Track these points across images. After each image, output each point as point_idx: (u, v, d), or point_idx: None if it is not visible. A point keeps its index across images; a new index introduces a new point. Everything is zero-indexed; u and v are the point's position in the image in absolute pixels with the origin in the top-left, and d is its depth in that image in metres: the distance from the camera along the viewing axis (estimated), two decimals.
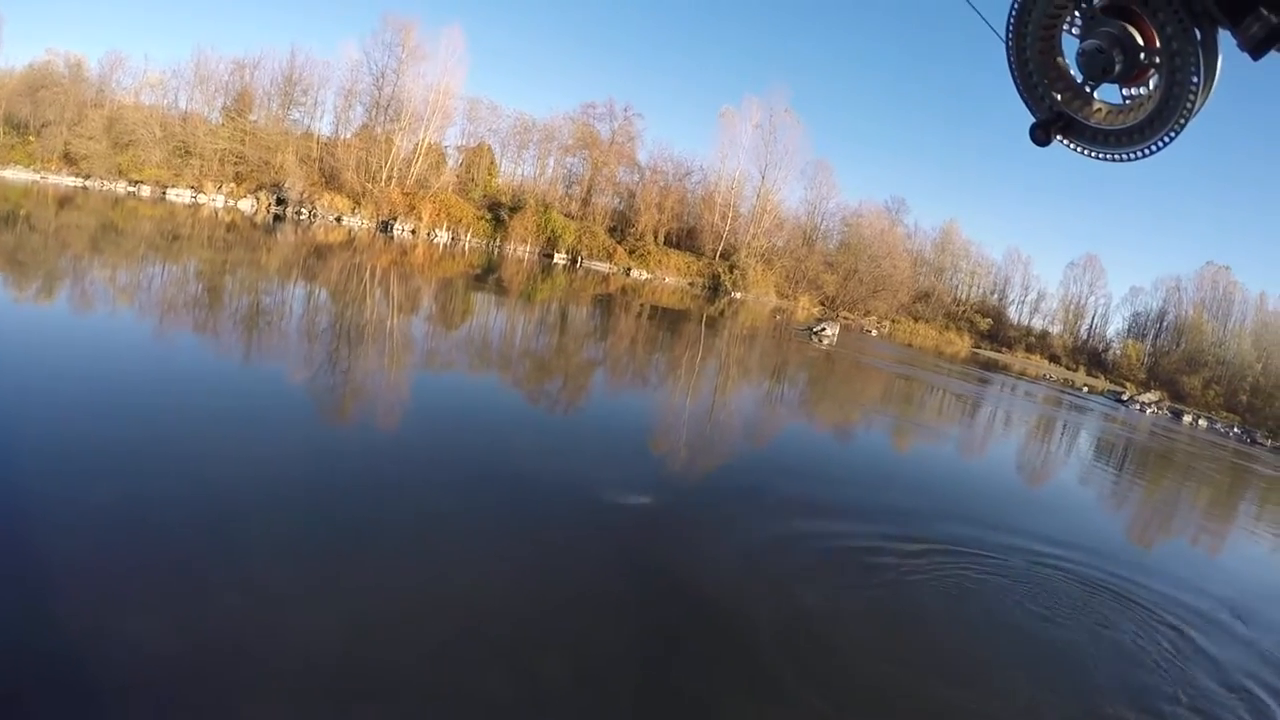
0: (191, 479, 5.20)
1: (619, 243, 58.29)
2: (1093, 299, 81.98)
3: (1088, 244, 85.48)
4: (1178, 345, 75.26)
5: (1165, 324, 78.50)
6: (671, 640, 4.41)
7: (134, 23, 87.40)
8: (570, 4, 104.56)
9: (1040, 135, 0.74)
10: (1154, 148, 0.69)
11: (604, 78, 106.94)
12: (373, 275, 22.59)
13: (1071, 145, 0.75)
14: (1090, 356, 77.71)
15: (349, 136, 55.63)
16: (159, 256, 18.83)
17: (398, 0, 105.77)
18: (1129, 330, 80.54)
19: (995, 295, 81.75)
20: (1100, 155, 0.76)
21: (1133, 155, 0.75)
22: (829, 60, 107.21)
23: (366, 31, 77.60)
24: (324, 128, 58.14)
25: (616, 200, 62.81)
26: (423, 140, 55.14)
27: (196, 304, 13.12)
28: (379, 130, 54.74)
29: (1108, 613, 6.40)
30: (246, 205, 48.30)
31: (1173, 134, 0.66)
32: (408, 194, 52.39)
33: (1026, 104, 0.80)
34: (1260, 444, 43.63)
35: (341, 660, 3.57)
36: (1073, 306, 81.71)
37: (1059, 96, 0.78)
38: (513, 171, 65.92)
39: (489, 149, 62.66)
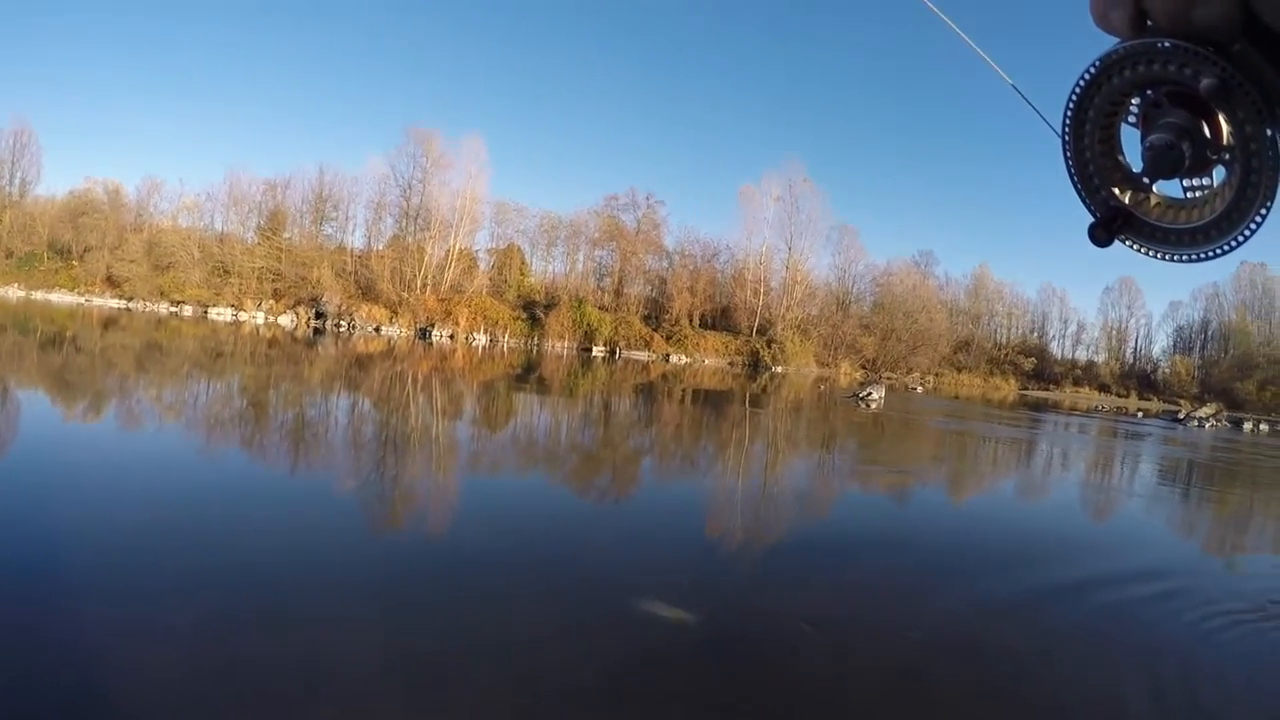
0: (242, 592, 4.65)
1: (655, 330, 57.72)
2: (1133, 321, 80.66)
3: (1120, 267, 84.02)
4: (1226, 352, 73.70)
5: (1210, 333, 77.09)
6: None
7: (167, 149, 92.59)
8: (581, 101, 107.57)
9: (1101, 235, 0.73)
10: (1226, 247, 0.70)
11: (622, 167, 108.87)
12: (414, 382, 22.04)
13: (1134, 245, 0.71)
14: (1140, 379, 75.82)
15: (381, 248, 56.33)
16: (203, 373, 18.53)
17: (417, 112, 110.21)
18: (1175, 346, 79.10)
19: (1035, 333, 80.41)
20: (1165, 255, 0.70)
21: (1203, 255, 0.69)
22: (840, 126, 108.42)
23: (391, 145, 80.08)
24: (356, 241, 59.24)
25: (648, 288, 62.60)
26: (453, 246, 55.58)
27: (243, 418, 12.86)
28: (410, 240, 55.40)
29: None
30: (286, 320, 48.48)
31: (1249, 231, 0.66)
32: (443, 300, 52.42)
33: (1084, 202, 0.78)
34: None
35: None
36: (1114, 332, 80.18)
37: (1116, 190, 0.73)
38: (544, 269, 66.31)
39: (519, 249, 63.19)
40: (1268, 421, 49.47)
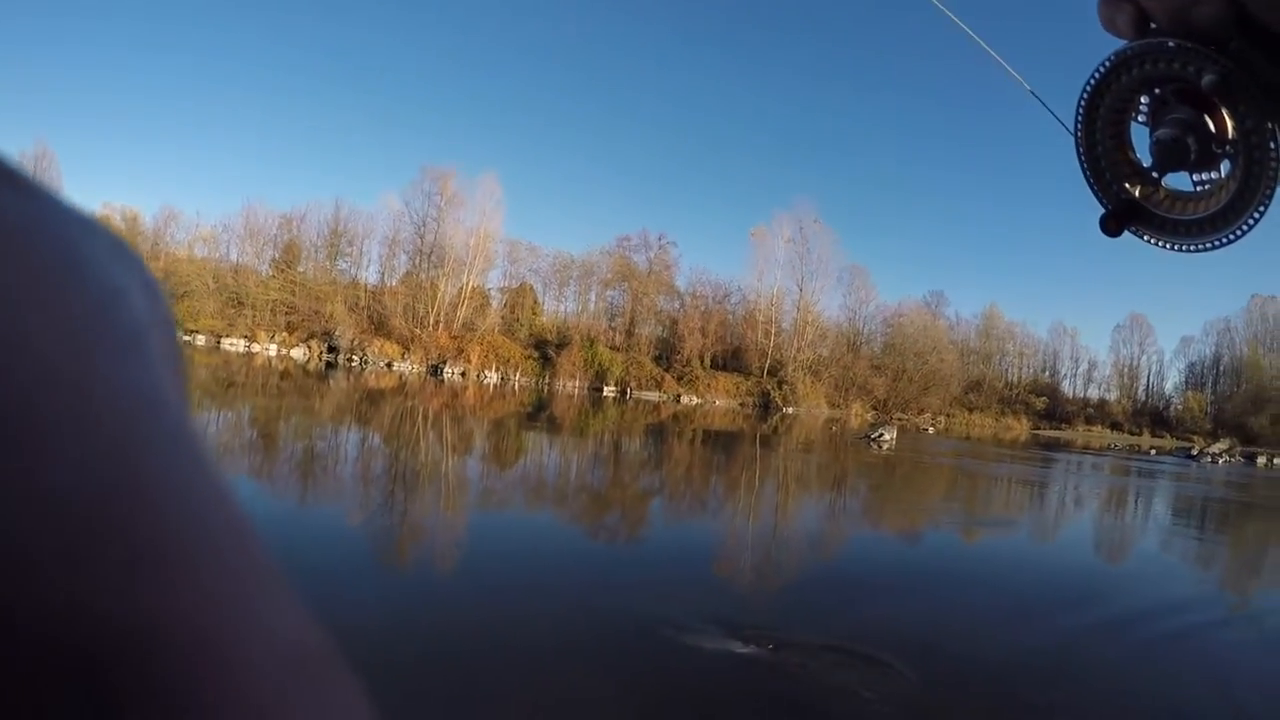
0: None
1: (666, 370, 57.36)
2: (1145, 358, 79.90)
3: (1130, 304, 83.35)
4: (1238, 387, 73.13)
5: (1222, 368, 76.30)
6: None
7: (185, 179, 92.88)
8: (594, 142, 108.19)
9: (1112, 226, 0.76)
10: (1231, 236, 0.73)
11: (635, 208, 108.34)
12: (425, 418, 21.88)
13: (1143, 235, 0.77)
14: (1152, 417, 75.11)
15: (395, 284, 56.33)
16: (215, 403, 18.42)
17: (433, 150, 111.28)
18: (1186, 382, 78.31)
19: (1046, 372, 79.50)
20: (1174, 246, 0.69)
21: (1208, 245, 0.75)
22: (850, 165, 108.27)
23: (406, 182, 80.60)
24: (370, 276, 59.22)
25: (660, 329, 62.29)
26: (466, 284, 55.59)
27: (253, 449, 12.72)
28: (423, 276, 55.42)
29: None
30: (299, 353, 48.25)
31: (1252, 221, 0.69)
32: (455, 337, 52.27)
33: (1096, 195, 0.84)
34: None
35: None
36: (1126, 370, 79.20)
37: (1126, 185, 0.71)
38: (556, 309, 65.88)
39: (531, 289, 63.04)
40: None
